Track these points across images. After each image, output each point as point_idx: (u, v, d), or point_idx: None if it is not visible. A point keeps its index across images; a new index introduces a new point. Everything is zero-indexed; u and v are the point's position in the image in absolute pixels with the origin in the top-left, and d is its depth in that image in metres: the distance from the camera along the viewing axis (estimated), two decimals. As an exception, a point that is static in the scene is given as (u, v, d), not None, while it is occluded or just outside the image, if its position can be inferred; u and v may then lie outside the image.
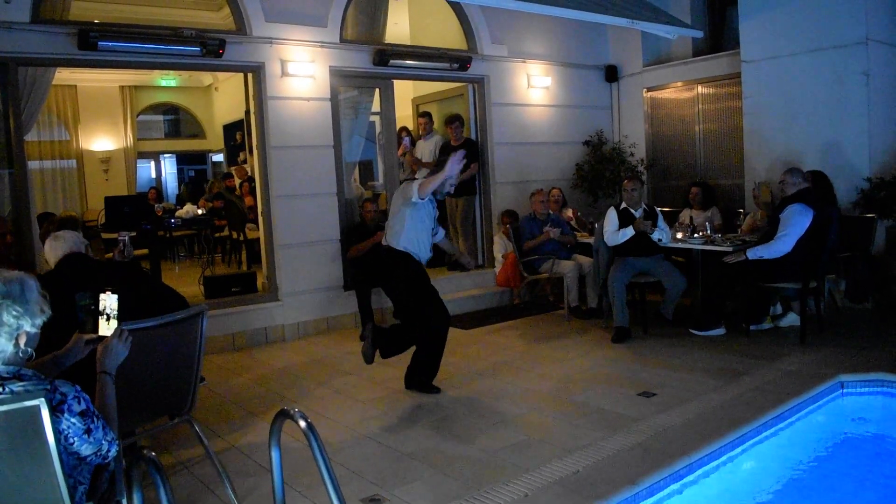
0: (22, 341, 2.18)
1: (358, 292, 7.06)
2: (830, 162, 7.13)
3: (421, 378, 5.20)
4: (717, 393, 4.71)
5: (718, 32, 9.43)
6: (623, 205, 6.62)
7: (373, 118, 8.65)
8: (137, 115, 13.80)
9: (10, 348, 2.15)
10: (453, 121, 8.51)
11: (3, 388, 2.08)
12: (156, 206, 11.20)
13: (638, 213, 6.49)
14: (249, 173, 11.62)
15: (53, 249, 3.73)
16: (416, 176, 9.05)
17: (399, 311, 5.36)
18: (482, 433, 4.30)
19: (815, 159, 7.24)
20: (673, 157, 9.62)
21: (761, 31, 7.84)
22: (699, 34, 8.81)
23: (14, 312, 2.15)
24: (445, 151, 8.65)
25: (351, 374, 5.81)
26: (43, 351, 2.37)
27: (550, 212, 7.87)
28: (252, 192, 10.32)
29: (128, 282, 3.79)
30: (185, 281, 8.74)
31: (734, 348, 5.84)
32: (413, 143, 9.20)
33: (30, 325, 2.19)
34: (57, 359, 2.61)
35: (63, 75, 10.43)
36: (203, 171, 15.72)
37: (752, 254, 5.90)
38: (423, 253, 5.19)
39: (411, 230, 5.12)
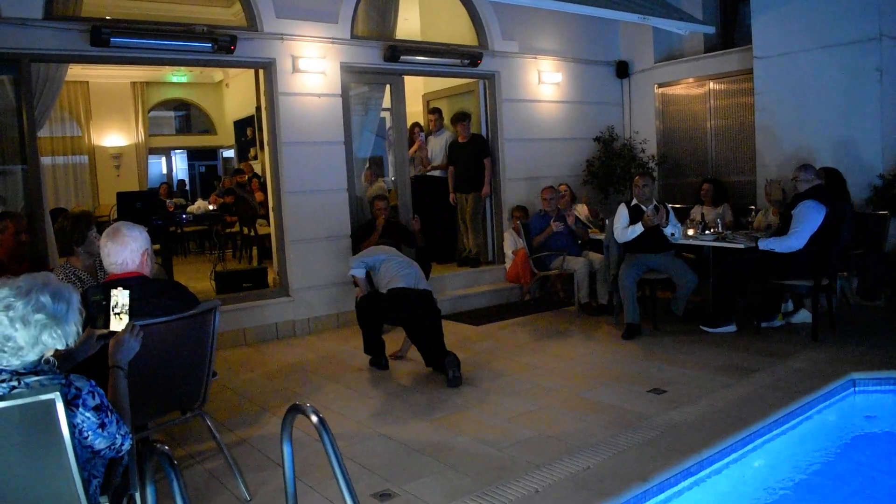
0: (48, 354, 2.22)
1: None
2: (843, 159, 7.09)
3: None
4: (728, 390, 4.70)
5: (730, 28, 9.38)
6: (634, 201, 6.61)
7: (383, 114, 8.65)
8: (149, 111, 13.87)
9: (34, 360, 2.18)
10: (460, 119, 8.51)
11: (19, 383, 2.10)
12: (167, 201, 11.27)
13: (648, 210, 6.47)
14: (254, 170, 11.67)
15: (112, 255, 3.11)
16: (427, 172, 9.08)
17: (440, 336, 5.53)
18: (492, 429, 4.30)
19: (828, 156, 7.20)
20: (684, 154, 9.59)
21: (774, 27, 7.80)
22: (711, 30, 8.78)
23: (54, 335, 2.18)
24: (453, 149, 8.70)
25: (361, 369, 5.83)
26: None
27: (560, 207, 7.85)
28: (262, 187, 10.36)
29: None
30: (196, 276, 8.78)
31: (745, 345, 5.82)
32: (426, 139, 9.22)
33: (62, 346, 2.22)
34: (69, 353, 2.63)
35: (75, 71, 10.48)
36: (214, 167, 15.79)
37: (764, 244, 5.89)
38: None
39: None
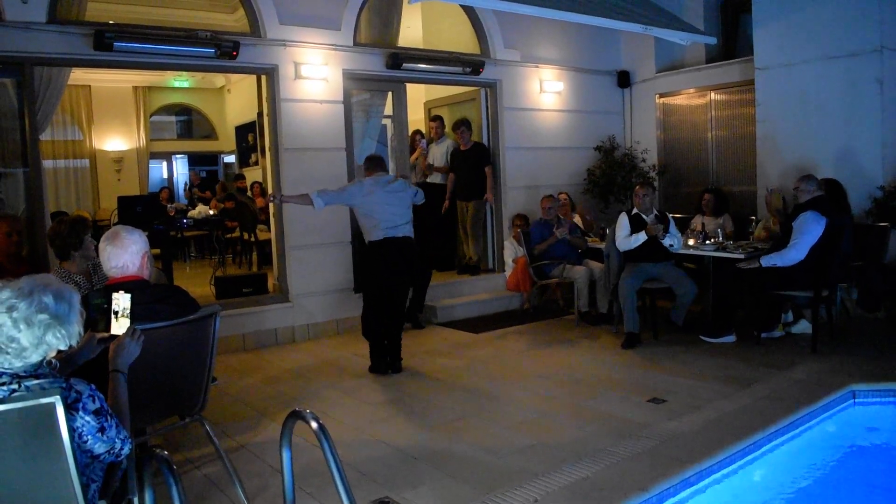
0: (50, 356, 2.22)
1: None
2: (843, 170, 7.10)
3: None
4: (728, 400, 4.69)
5: (732, 39, 9.41)
6: (635, 210, 6.62)
7: (385, 121, 8.66)
8: (150, 116, 13.88)
9: (37, 361, 2.18)
10: (459, 125, 8.52)
11: (20, 386, 2.10)
12: (168, 206, 11.27)
13: (649, 219, 6.48)
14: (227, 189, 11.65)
15: (113, 258, 3.09)
16: (428, 180, 9.08)
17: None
18: (491, 437, 4.29)
19: (828, 167, 7.21)
20: (685, 164, 9.60)
21: (775, 39, 7.82)
22: (712, 41, 8.79)
23: (58, 335, 2.19)
24: (456, 156, 8.70)
25: (361, 376, 5.82)
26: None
27: (560, 216, 7.85)
28: (263, 193, 10.37)
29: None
30: (196, 281, 8.77)
31: (745, 356, 5.81)
32: (428, 146, 9.22)
33: (65, 346, 2.22)
34: (69, 357, 2.63)
35: (77, 75, 10.49)
36: (214, 172, 15.80)
37: (766, 261, 5.88)
38: None
39: None
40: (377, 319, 5.81)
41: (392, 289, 5.74)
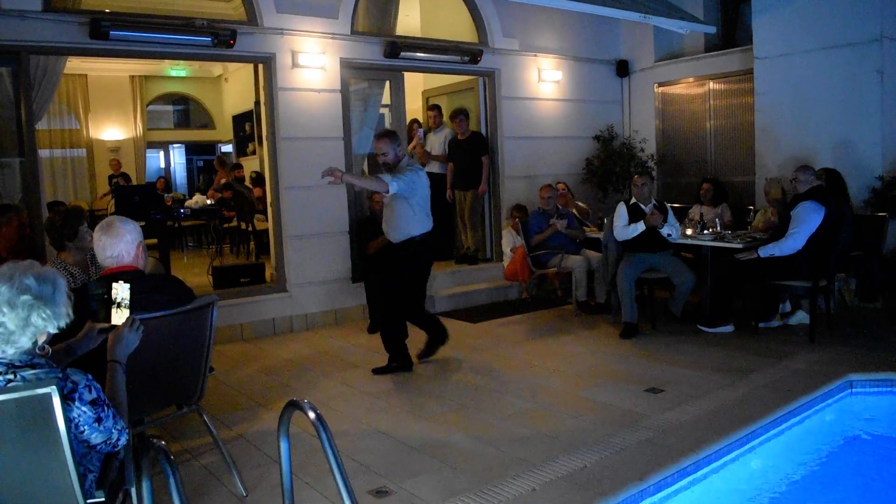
0: (41, 340, 2.21)
1: (367, 284, 7.06)
2: (843, 160, 7.09)
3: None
4: (726, 390, 4.69)
5: (731, 28, 9.38)
6: (633, 200, 6.61)
7: (382, 110, 8.63)
8: (147, 105, 13.83)
9: (27, 345, 2.17)
10: (457, 114, 8.48)
11: (16, 376, 2.09)
12: (165, 195, 11.23)
13: (647, 209, 6.47)
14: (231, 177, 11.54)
15: (108, 248, 3.08)
16: (426, 169, 9.04)
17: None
18: (489, 427, 4.30)
19: (827, 157, 7.20)
20: (684, 153, 9.59)
21: (775, 28, 7.79)
22: (712, 30, 8.77)
23: (43, 315, 2.17)
24: (453, 146, 8.68)
25: (358, 366, 5.82)
26: (56, 340, 2.38)
27: (559, 206, 7.84)
28: (259, 181, 10.35)
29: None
30: (193, 271, 8.77)
31: (743, 346, 5.81)
32: (425, 136, 9.20)
33: (54, 328, 2.21)
34: (70, 347, 2.63)
35: (73, 64, 10.44)
36: (212, 162, 15.76)
37: (765, 252, 5.88)
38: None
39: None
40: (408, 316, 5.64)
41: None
